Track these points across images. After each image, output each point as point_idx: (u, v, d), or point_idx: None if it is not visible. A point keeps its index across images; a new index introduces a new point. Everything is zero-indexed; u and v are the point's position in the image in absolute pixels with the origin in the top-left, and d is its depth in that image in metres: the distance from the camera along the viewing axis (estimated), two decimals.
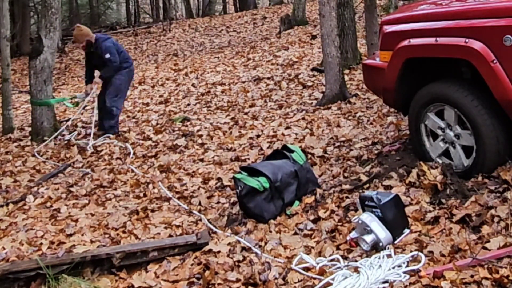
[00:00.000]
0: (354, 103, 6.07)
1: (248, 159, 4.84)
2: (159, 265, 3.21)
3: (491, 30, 2.93)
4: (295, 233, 3.27)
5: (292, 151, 3.84)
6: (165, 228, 3.68)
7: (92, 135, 6.13)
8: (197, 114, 6.88)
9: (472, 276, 2.34)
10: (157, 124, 6.68)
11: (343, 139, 4.83)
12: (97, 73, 6.55)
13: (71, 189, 4.71)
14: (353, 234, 2.92)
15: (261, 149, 5.07)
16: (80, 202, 4.36)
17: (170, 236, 3.54)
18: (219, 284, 2.86)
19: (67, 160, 5.61)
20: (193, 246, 3.30)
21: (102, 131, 6.32)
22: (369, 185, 3.54)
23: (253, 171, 3.60)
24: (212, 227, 3.56)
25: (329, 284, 2.57)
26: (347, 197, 3.49)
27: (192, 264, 3.14)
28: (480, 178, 3.14)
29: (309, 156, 4.44)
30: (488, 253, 2.47)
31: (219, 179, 4.46)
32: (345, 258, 2.85)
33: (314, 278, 2.70)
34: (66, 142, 6.17)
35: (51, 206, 4.35)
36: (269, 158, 3.93)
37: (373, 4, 7.30)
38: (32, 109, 6.47)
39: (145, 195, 4.37)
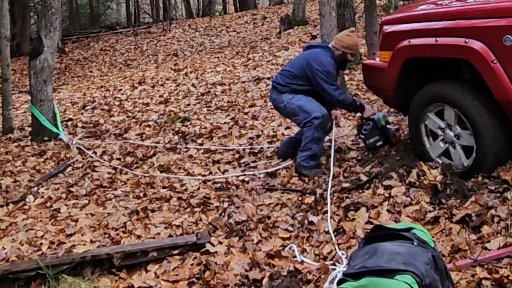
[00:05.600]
0: None
1: (248, 159, 4.85)
2: (159, 265, 3.21)
3: (491, 30, 2.93)
4: None
5: (409, 229, 2.29)
6: (165, 228, 3.67)
7: None
8: (197, 114, 6.87)
9: (472, 276, 2.35)
10: (157, 124, 6.68)
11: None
12: None
13: (71, 189, 4.70)
14: None
15: (261, 148, 5.07)
16: (80, 202, 4.36)
17: (170, 236, 3.54)
18: (219, 284, 2.86)
19: (67, 160, 5.61)
20: (193, 246, 3.30)
21: None
22: (369, 185, 3.54)
23: (364, 273, 1.99)
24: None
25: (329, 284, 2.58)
26: (347, 197, 3.49)
27: (192, 264, 3.14)
28: (480, 178, 3.14)
29: None
30: (488, 253, 2.47)
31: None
32: (345, 257, 2.85)
33: (314, 277, 2.70)
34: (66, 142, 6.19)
35: (51, 206, 4.34)
36: (368, 243, 2.28)
37: (373, 4, 7.29)
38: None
39: (145, 195, 4.36)
